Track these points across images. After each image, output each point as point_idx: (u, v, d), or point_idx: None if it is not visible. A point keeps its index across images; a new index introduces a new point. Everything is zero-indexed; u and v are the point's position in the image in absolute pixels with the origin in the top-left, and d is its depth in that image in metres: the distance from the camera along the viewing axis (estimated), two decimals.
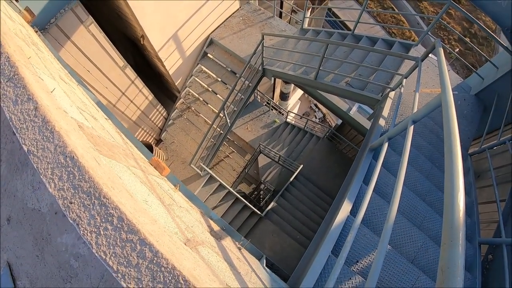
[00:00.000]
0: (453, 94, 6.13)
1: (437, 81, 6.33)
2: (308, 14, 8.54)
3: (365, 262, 3.09)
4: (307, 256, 3.52)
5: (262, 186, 13.75)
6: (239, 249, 3.41)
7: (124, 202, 1.48)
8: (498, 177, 5.16)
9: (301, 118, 13.30)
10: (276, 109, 13.61)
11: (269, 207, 8.92)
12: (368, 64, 6.22)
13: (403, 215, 3.72)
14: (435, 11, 33.51)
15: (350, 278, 2.92)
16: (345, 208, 3.31)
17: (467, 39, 6.24)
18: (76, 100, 2.64)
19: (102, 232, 1.36)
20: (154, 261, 1.33)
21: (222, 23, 9.22)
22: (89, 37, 5.62)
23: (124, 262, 1.32)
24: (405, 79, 4.64)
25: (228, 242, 3.15)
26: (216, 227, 3.34)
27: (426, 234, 3.64)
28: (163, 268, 1.33)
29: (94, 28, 5.62)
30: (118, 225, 1.38)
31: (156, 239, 1.41)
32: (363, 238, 3.19)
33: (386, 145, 3.34)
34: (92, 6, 5.83)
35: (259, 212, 8.44)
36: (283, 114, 13.42)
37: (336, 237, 3.09)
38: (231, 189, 8.28)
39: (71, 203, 1.40)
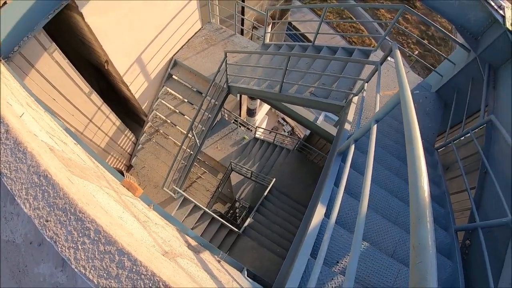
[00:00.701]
0: (414, 93, 6.46)
1: (394, 84, 6.57)
2: (268, 29, 8.70)
3: (345, 261, 3.14)
4: (287, 264, 3.56)
5: (237, 204, 13.73)
6: (219, 261, 3.43)
7: (99, 216, 1.50)
8: (466, 167, 5.39)
9: (270, 133, 13.44)
10: (244, 126, 13.73)
11: (246, 223, 8.92)
12: (330, 72, 6.37)
13: (378, 212, 3.80)
14: (392, 17, 34.49)
15: (332, 279, 2.97)
16: (319, 211, 3.36)
17: (425, 41, 6.53)
18: (44, 126, 2.65)
19: (80, 247, 1.38)
20: (134, 270, 1.35)
21: (185, 43, 9.28)
22: (53, 64, 5.58)
23: (104, 274, 1.34)
24: (366, 84, 4.80)
25: (207, 256, 3.17)
26: (193, 243, 3.36)
27: (402, 228, 3.72)
28: (143, 276, 1.35)
29: (58, 55, 5.59)
30: (96, 238, 1.40)
31: (134, 249, 1.44)
32: (340, 238, 3.25)
33: (352, 147, 3.45)
34: (55, 33, 5.79)
35: (236, 230, 8.43)
36: (251, 130, 13.52)
37: (313, 241, 3.13)
38: (206, 209, 8.26)
39: (47, 221, 1.42)
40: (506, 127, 4.32)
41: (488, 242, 3.46)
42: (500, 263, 3.32)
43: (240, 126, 13.32)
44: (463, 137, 5.46)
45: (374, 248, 3.34)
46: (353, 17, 35.02)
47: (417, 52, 33.05)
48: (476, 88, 5.56)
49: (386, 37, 5.85)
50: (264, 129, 13.40)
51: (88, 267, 1.35)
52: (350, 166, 3.66)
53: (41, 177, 1.52)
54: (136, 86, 8.19)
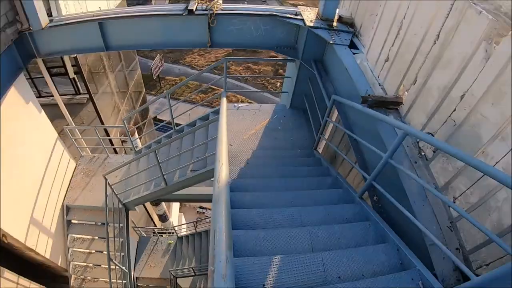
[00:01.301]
0: (274, 118, 7.22)
1: (254, 123, 7.32)
2: (136, 136, 9.18)
3: (271, 280, 3.34)
4: None
5: None
6: None
7: None
8: (345, 147, 6.22)
9: (195, 225, 13.63)
10: (164, 233, 13.81)
11: None
12: (198, 143, 6.86)
13: (282, 227, 3.99)
14: (237, 69, 36.96)
15: None
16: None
17: (281, 71, 7.68)
18: None
19: None
20: None
21: (69, 185, 9.36)
22: None
23: None
24: None
25: None
26: None
27: (310, 225, 3.95)
28: None
29: None
30: None
31: None
32: (253, 265, 3.41)
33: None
34: None
35: None
36: (172, 233, 13.64)
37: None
38: None
39: None
40: (344, 96, 5.14)
41: (386, 186, 3.83)
42: (404, 194, 3.74)
43: (160, 235, 13.39)
44: (328, 128, 6.27)
45: (294, 255, 3.42)
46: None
47: (279, 84, 35.06)
48: (316, 85, 6.34)
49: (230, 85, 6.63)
50: (183, 224, 13.59)
51: None
52: (235, 207, 4.11)
53: None
54: (42, 247, 8.01)
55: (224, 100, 4.24)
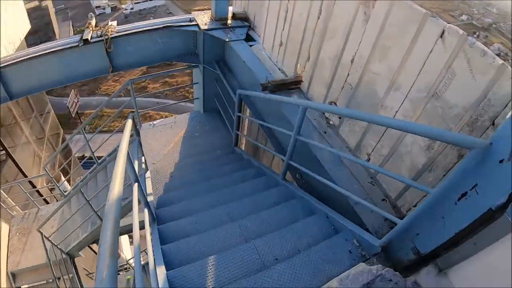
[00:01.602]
0: (190, 126, 7.29)
1: (172, 136, 7.31)
2: (62, 180, 8.85)
3: (210, 281, 3.27)
4: None
5: None
6: None
7: None
8: (263, 139, 6.38)
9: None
10: (120, 270, 13.48)
11: None
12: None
13: (214, 227, 3.96)
14: (155, 86, 36.99)
15: None
16: (161, 271, 3.50)
17: None
18: None
19: None
20: None
21: (8, 251, 8.74)
22: None
23: None
24: (143, 157, 5.31)
25: None
26: None
27: (239, 219, 3.99)
28: None
29: None
30: None
31: None
32: (189, 273, 3.36)
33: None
34: None
35: None
36: (128, 268, 13.34)
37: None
38: None
39: None
40: (248, 88, 5.41)
41: (304, 162, 3.96)
42: (320, 164, 3.89)
43: (117, 274, 13.05)
44: (245, 123, 6.62)
45: (227, 251, 3.45)
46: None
47: None
48: (222, 84, 6.41)
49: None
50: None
51: None
52: (163, 222, 4.08)
53: None
54: None
55: (129, 121, 4.15)
